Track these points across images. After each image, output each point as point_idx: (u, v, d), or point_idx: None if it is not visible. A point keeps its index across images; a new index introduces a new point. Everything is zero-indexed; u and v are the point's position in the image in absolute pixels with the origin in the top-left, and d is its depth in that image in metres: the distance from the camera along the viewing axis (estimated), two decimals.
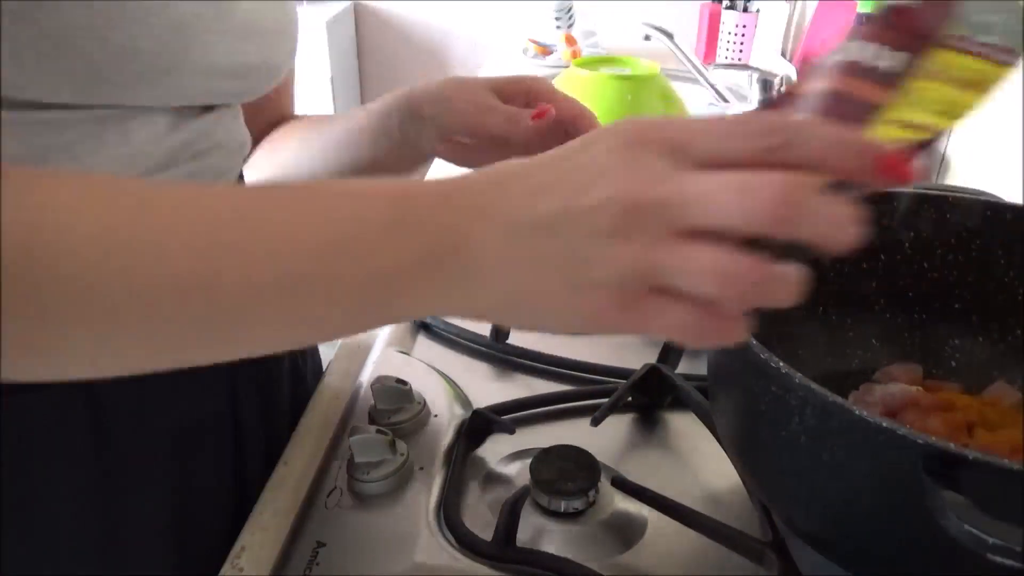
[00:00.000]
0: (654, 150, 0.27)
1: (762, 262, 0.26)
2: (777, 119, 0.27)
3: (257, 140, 0.62)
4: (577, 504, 0.47)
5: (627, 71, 0.95)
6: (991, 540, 0.27)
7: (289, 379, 0.61)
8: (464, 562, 0.44)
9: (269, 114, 0.63)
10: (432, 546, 0.45)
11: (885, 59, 0.32)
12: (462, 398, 0.58)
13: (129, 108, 0.41)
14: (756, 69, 1.21)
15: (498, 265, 0.28)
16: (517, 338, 0.64)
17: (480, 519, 0.47)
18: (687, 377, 0.56)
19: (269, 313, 0.28)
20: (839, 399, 0.33)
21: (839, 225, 0.25)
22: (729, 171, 0.26)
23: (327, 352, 0.66)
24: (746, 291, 0.26)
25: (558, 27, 1.74)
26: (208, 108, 0.48)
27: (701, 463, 0.52)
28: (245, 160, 0.57)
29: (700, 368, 0.60)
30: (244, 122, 0.55)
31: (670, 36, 1.21)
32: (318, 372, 0.67)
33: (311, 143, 0.60)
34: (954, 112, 0.34)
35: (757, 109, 0.29)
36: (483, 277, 0.29)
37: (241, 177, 0.57)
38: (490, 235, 0.28)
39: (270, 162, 0.62)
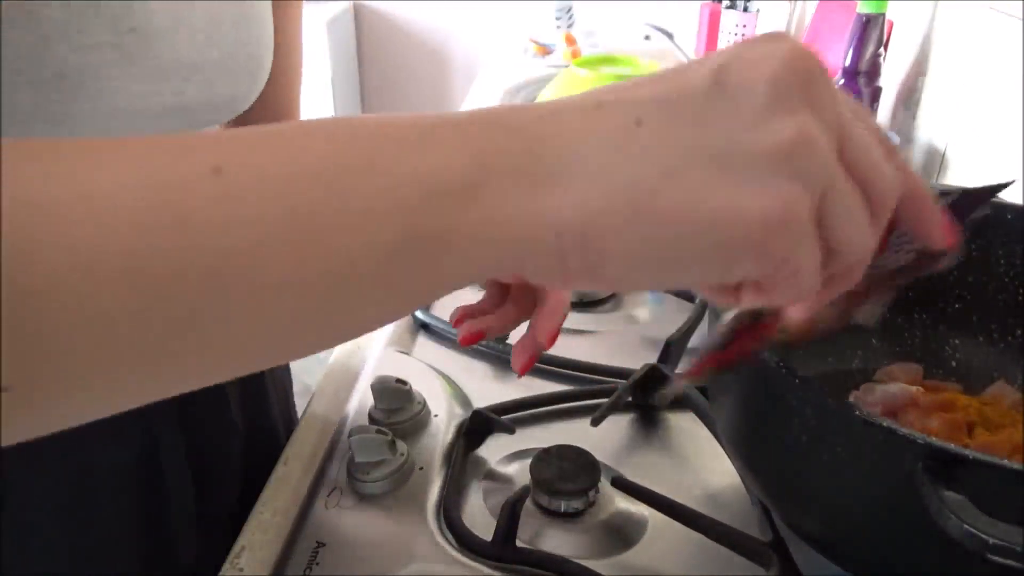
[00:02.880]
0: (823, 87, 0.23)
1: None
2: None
3: None
4: (577, 504, 0.47)
5: (627, 71, 0.95)
6: (991, 540, 0.27)
7: (245, 415, 0.56)
8: (464, 562, 0.44)
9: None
10: (432, 546, 0.45)
11: None
12: (462, 398, 0.58)
13: None
14: None
15: (613, 157, 0.21)
16: (517, 338, 0.64)
17: (480, 519, 0.47)
18: None
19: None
20: (839, 399, 0.33)
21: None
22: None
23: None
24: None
25: (558, 27, 1.74)
26: None
27: (701, 463, 0.52)
28: None
29: None
30: None
31: (670, 36, 1.21)
32: (285, 397, 0.65)
33: None
34: None
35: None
36: (588, 172, 0.21)
37: None
38: (600, 120, 0.22)
39: None
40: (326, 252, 0.20)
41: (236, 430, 0.53)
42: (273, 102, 0.60)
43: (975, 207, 0.32)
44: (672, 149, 0.21)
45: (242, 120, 0.57)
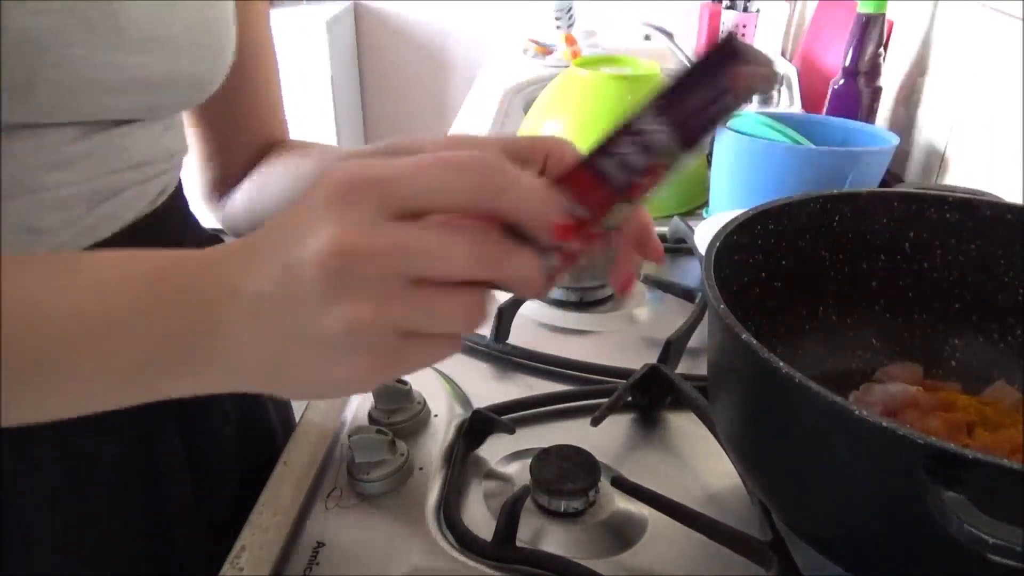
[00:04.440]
0: (365, 197, 0.26)
1: (483, 292, 0.28)
2: (488, 166, 0.27)
3: (246, 167, 0.60)
4: (577, 504, 0.47)
5: (627, 71, 0.95)
6: (991, 540, 0.27)
7: (239, 409, 0.57)
8: (464, 562, 0.44)
9: (253, 138, 0.60)
10: (432, 546, 0.45)
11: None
12: (462, 398, 0.58)
13: (28, 125, 0.40)
14: None
15: (249, 343, 0.28)
16: (517, 338, 0.64)
17: (480, 519, 0.47)
18: (687, 377, 0.56)
19: (22, 391, 0.29)
20: (839, 399, 0.33)
21: (527, 273, 0.28)
22: (435, 221, 0.27)
23: None
24: (481, 318, 0.28)
25: (558, 27, 1.74)
26: (120, 122, 0.45)
27: (701, 463, 0.52)
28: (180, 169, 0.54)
29: (700, 368, 0.60)
30: (184, 132, 0.54)
31: (670, 36, 1.21)
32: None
33: (293, 175, 0.57)
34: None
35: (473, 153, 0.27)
36: (237, 357, 0.28)
37: (180, 189, 0.55)
38: (236, 312, 0.28)
39: (260, 194, 0.59)
40: (63, 388, 0.29)
41: (229, 419, 0.54)
42: (255, 103, 0.60)
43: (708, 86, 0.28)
44: (277, 339, 0.28)
45: (230, 124, 0.58)
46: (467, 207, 0.27)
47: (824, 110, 1.00)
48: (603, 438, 0.54)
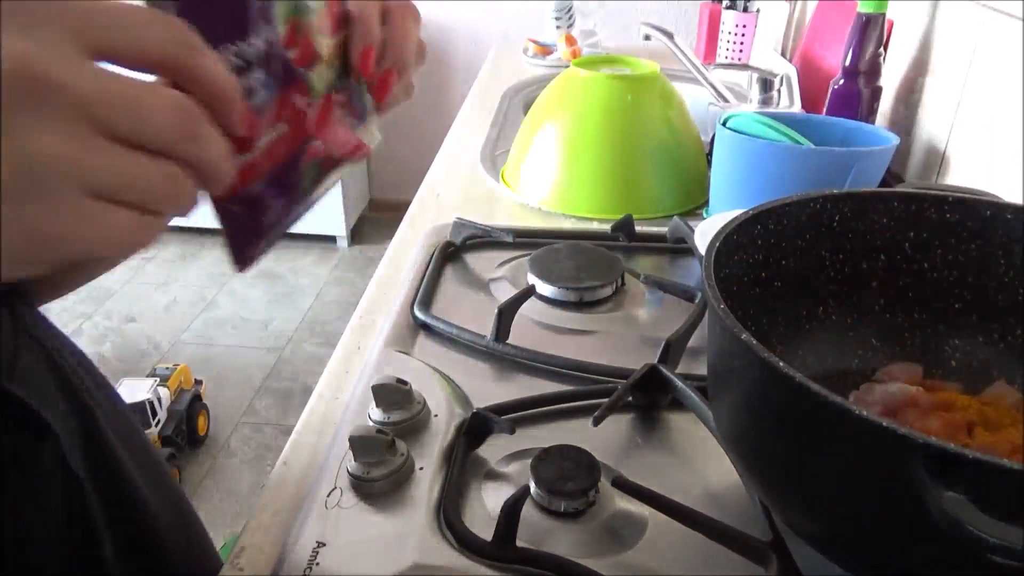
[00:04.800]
0: (58, 19, 0.22)
1: (181, 170, 0.25)
2: (188, 35, 0.25)
3: None
4: (577, 504, 0.47)
5: (627, 71, 0.95)
6: (991, 540, 0.27)
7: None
8: (464, 562, 0.44)
9: None
10: (432, 546, 0.45)
11: None
12: (462, 398, 0.58)
13: None
14: (756, 69, 1.21)
15: None
16: (517, 338, 0.64)
17: (480, 519, 0.47)
18: (687, 377, 0.56)
19: None
20: (839, 399, 0.33)
21: (220, 158, 0.26)
22: (132, 77, 0.24)
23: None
24: (182, 197, 0.25)
25: (558, 27, 1.74)
26: None
27: (701, 463, 0.52)
28: None
29: (700, 368, 0.60)
30: None
31: (670, 36, 1.21)
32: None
33: None
34: None
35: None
36: None
37: None
38: None
39: None
40: None
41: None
42: None
43: None
44: None
45: None
46: (164, 60, 0.24)
47: (824, 110, 1.00)
48: (603, 438, 0.54)
